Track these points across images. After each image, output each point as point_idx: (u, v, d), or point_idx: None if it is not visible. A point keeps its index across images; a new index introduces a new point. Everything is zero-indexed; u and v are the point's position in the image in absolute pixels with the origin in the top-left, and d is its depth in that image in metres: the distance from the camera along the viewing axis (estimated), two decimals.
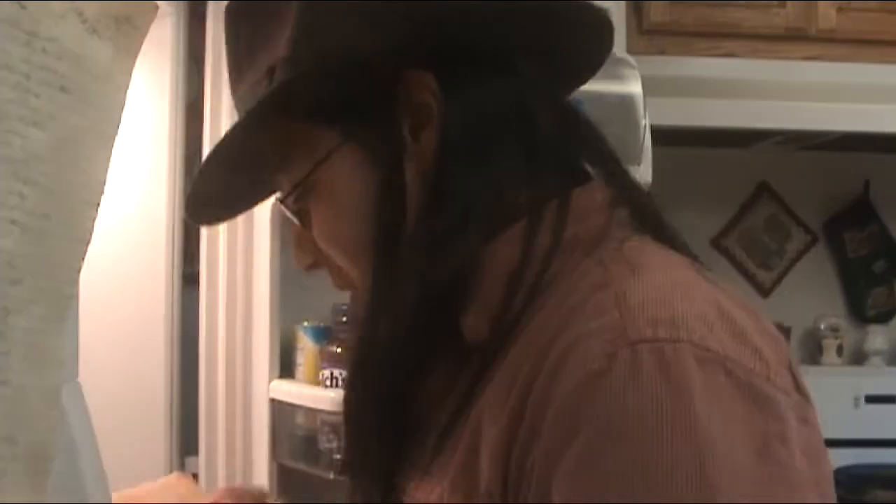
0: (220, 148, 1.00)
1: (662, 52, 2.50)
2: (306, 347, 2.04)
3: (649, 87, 1.98)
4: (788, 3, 2.67)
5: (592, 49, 1.04)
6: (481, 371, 0.92)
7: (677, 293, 0.85)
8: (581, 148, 1.02)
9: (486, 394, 0.90)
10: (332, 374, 1.94)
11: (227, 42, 1.07)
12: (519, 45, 0.99)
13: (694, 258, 0.96)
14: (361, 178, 0.97)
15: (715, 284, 0.89)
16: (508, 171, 0.96)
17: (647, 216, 0.98)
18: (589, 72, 1.08)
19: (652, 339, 0.80)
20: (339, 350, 1.95)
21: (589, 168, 1.01)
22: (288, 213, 1.03)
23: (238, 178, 1.07)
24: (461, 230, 0.94)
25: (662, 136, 2.06)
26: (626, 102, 1.96)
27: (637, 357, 0.79)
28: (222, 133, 2.22)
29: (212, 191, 1.10)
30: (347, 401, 1.00)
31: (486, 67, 0.98)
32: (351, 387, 1.01)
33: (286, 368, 2.08)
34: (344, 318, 1.97)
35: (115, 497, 1.20)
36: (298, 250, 1.06)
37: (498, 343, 0.91)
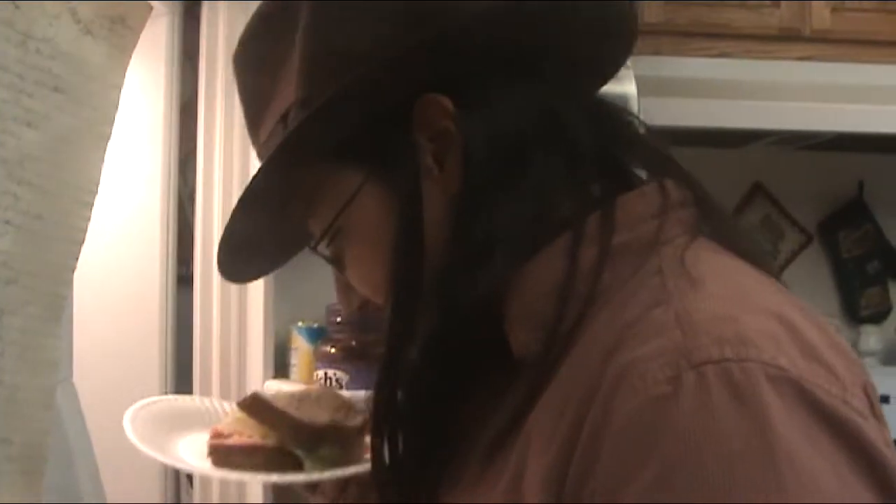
0: (246, 200, 0.97)
1: (657, 52, 2.50)
2: (300, 348, 2.05)
3: (643, 86, 1.98)
4: (782, 3, 2.67)
5: (615, 45, 1.01)
6: (533, 387, 0.87)
7: (742, 307, 0.80)
8: (624, 149, 0.98)
9: (536, 414, 0.85)
10: (326, 374, 1.94)
11: (239, 93, 1.05)
12: (540, 46, 0.95)
13: (760, 259, 0.92)
14: (388, 214, 0.93)
15: (782, 292, 0.86)
16: (542, 186, 0.92)
17: (709, 215, 0.94)
18: (613, 68, 1.04)
19: (718, 360, 0.75)
20: (333, 350, 1.95)
21: (637, 169, 0.98)
22: (324, 259, 1.00)
23: (268, 228, 1.04)
24: (488, 256, 0.90)
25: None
26: (620, 102, 1.95)
27: (704, 380, 0.74)
28: (216, 133, 2.22)
29: (243, 246, 1.05)
30: (379, 429, 0.96)
31: (505, 74, 0.94)
32: (382, 416, 0.96)
33: (280, 369, 2.08)
34: (338, 319, 1.97)
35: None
36: (344, 295, 1.03)
37: (550, 359, 0.87)
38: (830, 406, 0.74)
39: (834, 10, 2.69)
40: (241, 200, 0.97)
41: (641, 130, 1.00)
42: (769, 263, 0.93)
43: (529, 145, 0.92)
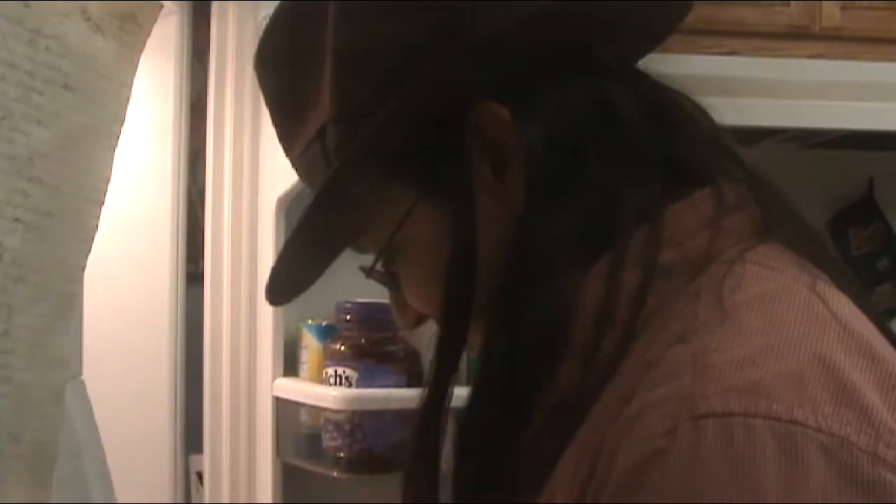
0: (304, 230, 0.92)
1: (666, 50, 2.50)
2: (310, 345, 2.05)
3: None
4: (792, 1, 2.66)
5: (662, 20, 0.96)
6: (570, 424, 0.80)
7: (771, 345, 0.72)
8: (683, 147, 0.89)
9: (566, 455, 0.79)
10: (335, 372, 1.94)
11: (266, 99, 0.98)
12: (595, 38, 0.89)
13: (831, 264, 0.87)
14: (444, 230, 0.88)
15: (843, 302, 0.80)
16: (605, 190, 0.85)
17: (778, 218, 0.87)
18: (669, 32, 0.99)
19: (721, 414, 0.67)
20: (342, 348, 1.95)
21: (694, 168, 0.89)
22: (378, 279, 0.96)
23: (317, 247, 0.99)
24: (549, 274, 0.84)
25: None
26: None
27: (700, 436, 0.67)
28: (226, 130, 2.22)
29: (290, 269, 1.02)
30: (423, 450, 0.96)
31: (559, 72, 0.87)
32: (426, 439, 0.96)
33: (290, 366, 2.08)
34: (348, 317, 1.97)
35: None
36: (400, 312, 0.99)
37: (591, 392, 0.79)
38: (855, 464, 0.65)
39: (844, 7, 2.68)
40: (299, 230, 0.92)
41: (706, 123, 0.93)
42: (840, 268, 0.88)
43: (590, 146, 0.86)
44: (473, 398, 0.91)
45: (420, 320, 0.99)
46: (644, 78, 0.94)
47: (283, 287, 1.03)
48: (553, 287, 0.83)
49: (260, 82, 0.98)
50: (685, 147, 0.89)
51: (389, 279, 0.95)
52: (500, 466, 0.86)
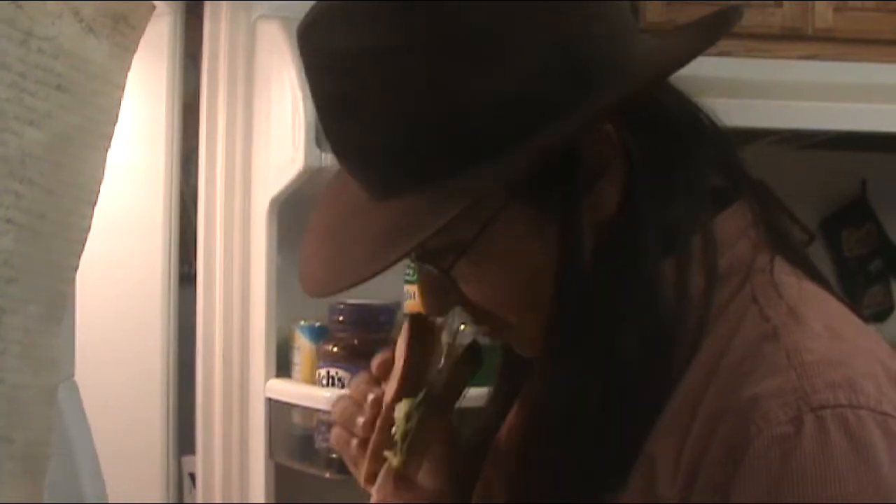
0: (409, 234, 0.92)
1: None
2: (303, 347, 2.05)
3: None
4: (785, 2, 2.66)
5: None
6: (652, 413, 0.91)
7: (845, 349, 0.88)
8: (725, 162, 1.00)
9: (657, 438, 0.89)
10: (328, 373, 1.94)
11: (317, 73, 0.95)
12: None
13: (822, 279, 0.98)
14: (533, 234, 0.93)
15: (858, 319, 0.95)
16: (674, 203, 0.94)
17: (783, 236, 0.98)
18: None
19: (834, 405, 0.83)
20: (335, 349, 1.95)
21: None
22: (427, 268, 0.98)
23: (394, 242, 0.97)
24: (656, 282, 0.92)
25: None
26: None
27: (823, 424, 0.82)
28: (219, 131, 2.22)
29: (326, 264, 1.02)
30: (537, 454, 0.96)
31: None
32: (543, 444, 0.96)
33: (283, 368, 2.08)
34: (340, 318, 1.97)
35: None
36: (434, 300, 1.01)
37: (668, 384, 0.91)
38: None
39: (837, 9, 2.68)
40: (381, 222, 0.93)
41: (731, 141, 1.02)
42: (828, 283, 1.00)
43: (671, 161, 0.94)
44: (574, 402, 0.93)
45: (450, 310, 1.03)
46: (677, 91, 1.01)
47: (334, 277, 1.00)
48: (653, 288, 0.91)
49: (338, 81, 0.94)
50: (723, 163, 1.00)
51: (447, 270, 0.96)
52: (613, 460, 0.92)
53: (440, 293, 0.99)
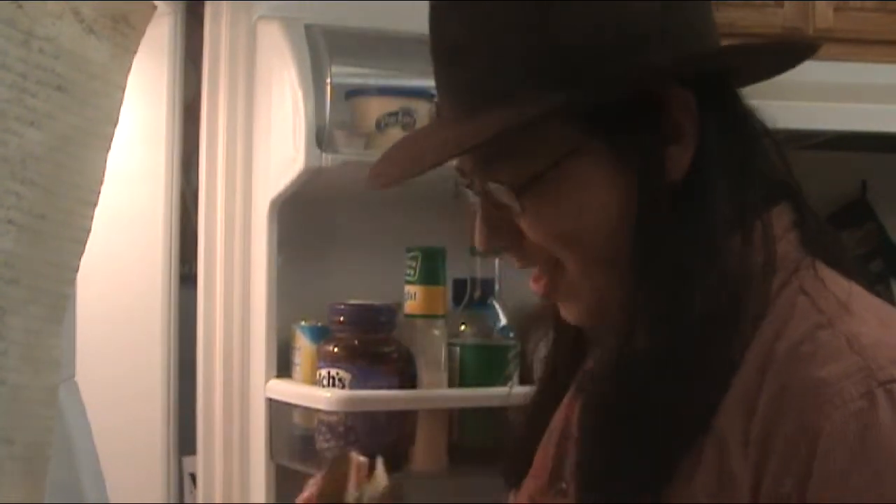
0: (468, 139, 1.00)
1: None
2: (303, 347, 2.04)
3: None
4: (786, 2, 2.67)
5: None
6: (717, 391, 0.97)
7: (890, 331, 0.96)
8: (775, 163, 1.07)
9: (725, 418, 0.95)
10: (329, 373, 1.94)
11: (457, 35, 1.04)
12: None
13: (859, 275, 1.04)
14: (606, 178, 1.00)
15: (888, 307, 1.01)
16: (751, 192, 1.02)
17: (820, 237, 1.05)
18: None
19: None
20: (335, 350, 1.95)
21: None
22: (487, 198, 1.04)
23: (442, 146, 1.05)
24: (726, 251, 0.99)
25: None
26: None
27: (893, 396, 0.90)
28: (219, 132, 2.22)
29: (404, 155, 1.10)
30: (603, 420, 1.01)
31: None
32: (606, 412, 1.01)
33: (283, 368, 2.08)
34: (341, 318, 1.97)
35: None
36: (490, 233, 1.06)
37: (730, 367, 0.97)
38: None
39: (837, 9, 2.68)
40: (462, 141, 1.00)
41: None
42: (867, 278, 1.06)
43: (746, 153, 1.03)
44: (645, 369, 0.99)
45: (496, 249, 1.08)
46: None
47: (396, 170, 1.09)
48: (724, 255, 0.98)
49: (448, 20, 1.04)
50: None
51: (510, 202, 1.02)
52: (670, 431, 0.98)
53: (498, 227, 1.05)
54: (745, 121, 1.05)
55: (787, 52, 1.10)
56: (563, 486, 1.11)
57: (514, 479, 1.20)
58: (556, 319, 1.17)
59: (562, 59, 0.98)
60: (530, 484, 1.16)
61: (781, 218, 1.03)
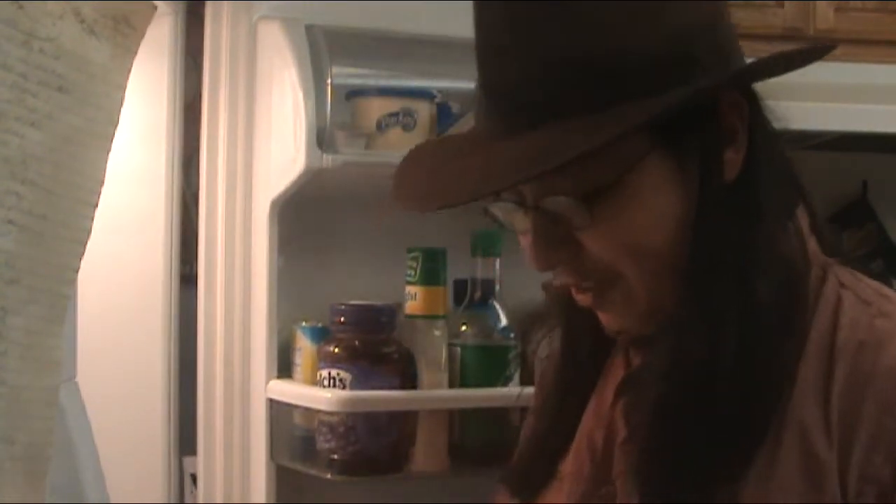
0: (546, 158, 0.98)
1: None
2: (304, 348, 2.04)
3: None
4: (786, 2, 2.67)
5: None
6: (786, 381, 1.01)
7: None
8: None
9: (802, 407, 1.00)
10: (329, 374, 1.94)
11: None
12: None
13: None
14: (671, 183, 1.02)
15: None
16: (788, 191, 1.08)
17: (833, 242, 1.12)
18: None
19: None
20: (336, 350, 1.95)
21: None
22: (560, 212, 1.02)
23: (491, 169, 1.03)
24: (782, 242, 1.04)
25: None
26: None
27: None
28: (220, 132, 2.23)
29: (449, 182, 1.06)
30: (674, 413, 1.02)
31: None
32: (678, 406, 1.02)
33: (284, 369, 2.08)
34: (342, 319, 1.97)
35: None
36: (548, 251, 1.05)
37: (792, 356, 1.02)
38: None
39: (838, 9, 2.68)
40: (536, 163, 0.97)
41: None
42: (870, 276, 1.12)
43: (786, 158, 1.09)
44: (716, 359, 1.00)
45: (555, 265, 1.06)
46: None
47: (448, 192, 1.04)
48: (780, 247, 1.03)
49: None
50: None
51: (574, 215, 1.01)
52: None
53: (555, 244, 1.04)
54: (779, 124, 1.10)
55: (815, 56, 1.16)
56: (610, 488, 1.10)
57: (527, 488, 1.19)
58: (567, 328, 1.18)
59: (637, 68, 0.98)
60: (566, 490, 1.15)
61: (804, 218, 1.09)
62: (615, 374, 1.16)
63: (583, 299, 1.09)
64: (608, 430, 1.12)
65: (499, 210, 1.07)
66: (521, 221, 1.06)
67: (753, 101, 1.06)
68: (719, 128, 1.03)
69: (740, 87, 1.05)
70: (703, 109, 1.01)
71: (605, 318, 1.10)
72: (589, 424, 1.15)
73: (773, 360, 1.00)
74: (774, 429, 0.99)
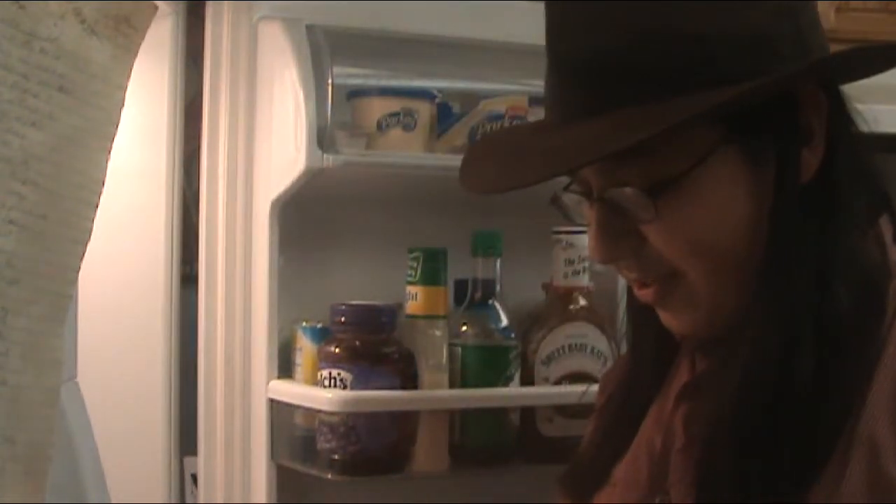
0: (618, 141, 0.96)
1: None
2: (305, 348, 2.04)
3: None
4: None
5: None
6: (857, 387, 0.97)
7: None
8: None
9: (875, 422, 0.94)
10: (330, 374, 1.94)
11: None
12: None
13: None
14: (742, 180, 1.00)
15: None
16: (869, 196, 1.05)
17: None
18: None
19: None
20: (337, 350, 1.95)
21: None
22: (624, 204, 1.01)
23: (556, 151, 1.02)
24: (861, 246, 1.01)
25: None
26: None
27: None
28: (220, 132, 2.23)
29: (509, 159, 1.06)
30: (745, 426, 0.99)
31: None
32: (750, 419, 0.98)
33: (285, 369, 2.08)
34: (342, 319, 1.97)
35: None
36: (611, 243, 1.03)
37: (871, 361, 0.97)
38: None
39: (839, 9, 2.68)
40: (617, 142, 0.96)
41: None
42: None
43: (866, 157, 1.08)
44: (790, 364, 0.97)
45: (620, 257, 1.04)
46: None
47: (519, 174, 1.03)
48: (860, 252, 1.00)
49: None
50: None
51: (639, 209, 1.00)
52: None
53: (618, 236, 1.02)
54: (855, 124, 1.07)
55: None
56: (665, 497, 1.08)
57: (582, 490, 1.17)
58: (633, 328, 1.16)
59: (710, 55, 0.96)
60: (617, 496, 1.13)
61: (888, 226, 1.05)
62: (679, 378, 1.14)
63: (644, 295, 1.06)
64: (666, 437, 1.10)
65: (568, 200, 1.07)
66: (587, 213, 1.05)
67: (836, 101, 1.04)
68: (798, 126, 1.00)
69: (821, 82, 1.02)
70: (781, 105, 0.99)
71: (666, 317, 1.08)
72: (649, 430, 1.13)
73: (847, 373, 0.96)
74: (843, 444, 0.94)
